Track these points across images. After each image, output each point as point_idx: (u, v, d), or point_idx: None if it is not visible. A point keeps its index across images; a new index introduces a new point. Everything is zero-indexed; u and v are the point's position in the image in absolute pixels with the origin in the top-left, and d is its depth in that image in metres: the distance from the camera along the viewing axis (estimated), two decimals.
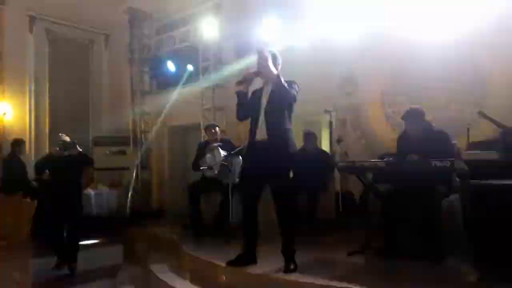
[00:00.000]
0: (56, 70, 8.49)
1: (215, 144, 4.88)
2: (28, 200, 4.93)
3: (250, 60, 4.88)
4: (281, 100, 3.18)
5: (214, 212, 4.68)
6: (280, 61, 3.38)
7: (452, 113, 5.22)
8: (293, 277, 2.97)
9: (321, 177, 5.06)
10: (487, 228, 3.12)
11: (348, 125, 6.25)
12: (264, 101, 3.25)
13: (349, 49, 5.80)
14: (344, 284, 2.71)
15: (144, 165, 8.46)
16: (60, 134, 4.29)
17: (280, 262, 3.12)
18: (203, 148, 4.99)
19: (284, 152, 3.13)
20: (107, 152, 8.20)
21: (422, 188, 3.40)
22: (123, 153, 8.38)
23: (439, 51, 5.20)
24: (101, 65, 9.28)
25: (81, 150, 4.37)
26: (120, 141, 8.42)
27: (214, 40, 7.15)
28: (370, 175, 3.96)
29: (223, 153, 4.68)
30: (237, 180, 4.16)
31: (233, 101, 3.39)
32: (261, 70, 3.27)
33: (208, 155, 4.80)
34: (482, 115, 4.42)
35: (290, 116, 3.27)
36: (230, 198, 4.21)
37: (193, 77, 7.65)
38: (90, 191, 6.40)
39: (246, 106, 3.28)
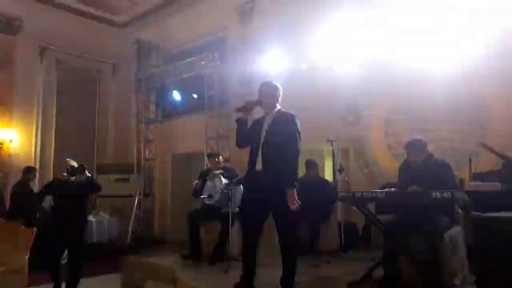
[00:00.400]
0: (64, 99, 8.69)
1: (217, 172, 4.90)
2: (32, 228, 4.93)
3: (254, 90, 4.98)
4: (280, 132, 3.20)
5: (214, 241, 4.63)
6: (281, 92, 3.42)
7: (455, 144, 5.22)
8: None
9: (322, 207, 5.02)
10: (490, 261, 3.06)
11: (351, 154, 6.27)
12: (264, 131, 3.27)
13: (352, 79, 5.91)
14: None
15: (147, 193, 8.46)
16: (67, 159, 4.20)
17: None
18: (205, 176, 5.00)
19: (280, 183, 3.08)
20: (111, 179, 8.22)
21: (423, 220, 3.36)
22: (126, 180, 8.40)
23: (441, 82, 5.26)
24: (108, 93, 9.49)
25: (89, 175, 4.22)
26: (123, 169, 8.46)
27: (219, 71, 7.30)
28: (373, 206, 3.93)
29: (224, 181, 4.69)
30: (237, 209, 4.15)
31: None
32: (261, 100, 3.32)
33: (209, 183, 4.81)
34: (484, 146, 4.42)
35: (293, 148, 3.18)
36: (229, 227, 4.18)
37: (197, 106, 7.78)
38: (91, 218, 6.38)
39: (246, 134, 3.31)
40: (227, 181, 4.63)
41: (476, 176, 4.36)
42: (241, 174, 4.59)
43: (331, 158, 5.51)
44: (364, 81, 5.87)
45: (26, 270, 3.73)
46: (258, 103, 3.31)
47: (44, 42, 8.39)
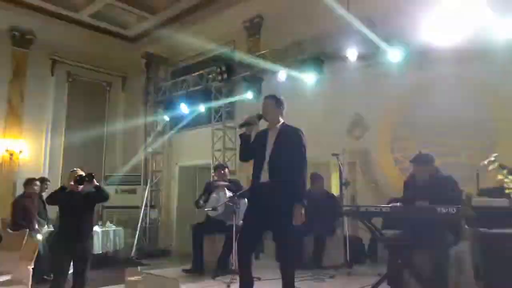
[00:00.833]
0: (74, 110, 8.83)
1: (222, 183, 4.90)
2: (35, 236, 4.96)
3: (260, 104, 5.01)
4: (285, 146, 3.20)
5: (217, 254, 4.61)
6: (285, 105, 3.42)
7: (461, 159, 5.17)
8: None
9: (327, 221, 4.99)
10: (497, 278, 3.00)
11: (357, 168, 6.23)
12: (269, 145, 3.27)
13: (358, 94, 5.92)
14: None
15: (153, 205, 8.49)
16: (74, 168, 4.08)
17: None
18: (210, 188, 5.01)
19: (285, 197, 3.08)
20: (118, 190, 8.27)
21: (428, 235, 3.32)
22: (133, 192, 8.44)
23: (449, 96, 5.24)
24: (117, 105, 9.61)
25: (97, 184, 4.01)
26: (131, 180, 8.51)
27: (226, 84, 7.37)
28: (378, 220, 3.89)
29: (228, 193, 4.69)
30: (241, 222, 4.13)
31: None
32: (264, 115, 3.33)
33: (213, 195, 4.81)
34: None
35: (299, 163, 3.18)
36: (233, 240, 4.16)
37: (204, 119, 7.85)
38: (98, 229, 6.40)
39: (250, 148, 3.32)
40: (231, 194, 4.62)
41: (483, 192, 4.30)
42: (247, 187, 4.60)
43: (337, 172, 5.48)
44: (370, 96, 5.88)
45: (30, 281, 3.74)
46: (261, 117, 3.32)
47: (56, 55, 8.57)
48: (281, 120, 3.36)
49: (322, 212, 5.05)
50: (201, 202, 4.88)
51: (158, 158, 8.80)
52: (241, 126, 3.31)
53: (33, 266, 3.81)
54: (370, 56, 5.62)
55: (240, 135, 3.34)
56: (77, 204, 3.86)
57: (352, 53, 5.55)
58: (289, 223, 3.12)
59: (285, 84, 6.40)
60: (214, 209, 4.62)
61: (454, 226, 3.48)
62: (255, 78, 7.01)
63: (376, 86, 5.86)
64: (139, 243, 7.65)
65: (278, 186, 3.10)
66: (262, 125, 3.47)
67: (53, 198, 4.01)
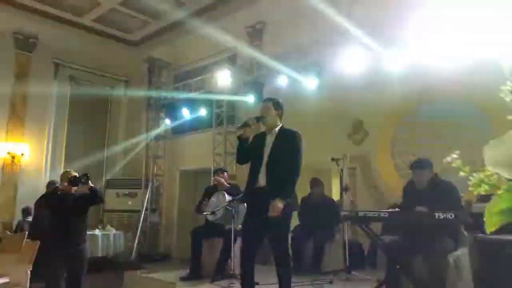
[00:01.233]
0: (76, 114, 8.86)
1: (221, 186, 4.89)
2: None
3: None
4: (282, 149, 3.20)
5: (216, 258, 4.60)
6: (283, 109, 3.43)
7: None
8: None
9: (327, 226, 4.97)
10: (497, 284, 2.97)
11: (358, 173, 6.22)
12: (266, 148, 3.28)
13: (359, 98, 5.92)
14: None
15: (154, 208, 8.49)
16: (67, 170, 3.96)
17: None
18: (210, 192, 5.00)
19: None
20: (119, 194, 8.28)
21: (426, 241, 3.30)
22: (134, 195, 8.45)
23: (450, 101, 5.23)
24: (119, 109, 9.65)
25: (92, 185, 3.82)
26: (132, 184, 8.52)
27: (228, 89, 7.38)
28: (377, 226, 3.88)
29: (228, 198, 4.68)
30: (240, 226, 4.12)
31: None
32: (263, 117, 3.34)
33: (213, 199, 4.80)
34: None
35: (293, 165, 3.16)
36: (232, 244, 4.15)
37: (206, 124, 7.87)
38: (98, 232, 6.41)
39: (247, 151, 3.32)
40: (230, 198, 4.62)
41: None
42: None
43: (338, 177, 5.47)
44: (371, 100, 5.87)
45: (28, 283, 3.73)
46: (259, 119, 3.33)
47: (59, 59, 8.63)
48: (280, 123, 3.36)
49: (321, 217, 5.05)
50: (203, 206, 4.87)
51: (159, 162, 8.81)
52: (239, 128, 3.32)
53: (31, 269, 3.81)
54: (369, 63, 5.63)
55: (238, 137, 3.34)
56: (70, 206, 3.69)
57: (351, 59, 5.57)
58: (285, 227, 3.11)
59: (286, 89, 6.43)
60: (213, 213, 4.61)
61: (453, 232, 3.46)
62: (257, 83, 7.04)
63: (376, 91, 5.86)
64: (139, 246, 7.65)
65: (274, 189, 3.09)
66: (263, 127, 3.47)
67: (45, 200, 3.87)
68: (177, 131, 8.77)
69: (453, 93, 5.24)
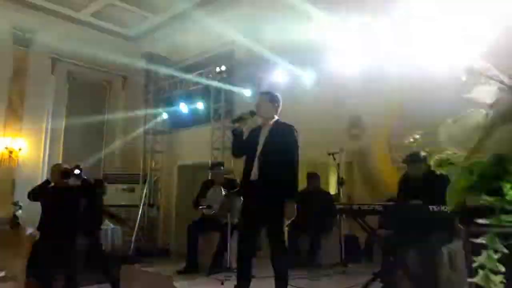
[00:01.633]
0: (74, 109, 8.85)
1: (219, 181, 4.90)
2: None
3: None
4: (278, 143, 3.20)
5: (212, 251, 4.62)
6: (279, 102, 3.42)
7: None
8: None
9: (323, 220, 4.99)
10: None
11: (355, 167, 6.22)
12: (261, 141, 3.28)
13: (356, 92, 5.91)
14: None
15: (152, 203, 8.50)
16: (59, 163, 3.86)
17: None
18: (206, 186, 5.02)
19: (276, 195, 3.07)
20: (116, 189, 8.29)
21: (420, 234, 3.31)
22: (132, 190, 8.47)
23: (448, 95, 5.21)
24: (117, 104, 9.63)
25: (85, 177, 3.73)
26: (129, 179, 8.53)
27: (226, 83, 7.39)
28: (371, 219, 3.89)
29: (224, 192, 4.69)
30: (236, 220, 4.14)
31: None
32: (258, 111, 3.34)
33: (209, 194, 4.82)
34: None
35: (291, 159, 3.16)
36: (228, 238, 4.17)
37: (204, 118, 7.87)
38: None
39: (242, 144, 3.33)
40: (227, 192, 4.63)
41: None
42: None
43: (335, 171, 5.49)
44: (368, 94, 5.86)
45: (24, 277, 3.74)
46: (254, 113, 3.33)
47: (56, 54, 8.59)
48: (275, 117, 3.36)
49: (318, 211, 5.05)
50: (200, 200, 4.88)
51: (157, 157, 8.81)
52: (234, 121, 3.32)
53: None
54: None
55: (233, 131, 3.34)
56: (63, 200, 3.61)
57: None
58: (281, 220, 3.12)
59: (284, 83, 6.42)
60: (209, 207, 4.63)
61: (447, 224, 3.46)
62: (255, 77, 7.03)
63: (374, 86, 5.84)
64: (137, 241, 7.67)
65: (269, 183, 3.10)
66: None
67: (36, 194, 3.71)
68: (175, 125, 8.77)
69: (450, 89, 5.21)
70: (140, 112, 9.14)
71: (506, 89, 0.49)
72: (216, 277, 4.23)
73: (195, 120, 8.18)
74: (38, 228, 3.76)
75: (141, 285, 4.42)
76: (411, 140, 0.76)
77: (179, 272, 4.54)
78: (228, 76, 7.50)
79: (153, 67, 9.07)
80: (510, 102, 0.47)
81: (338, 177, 5.24)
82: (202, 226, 4.83)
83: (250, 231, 3.22)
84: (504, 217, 0.55)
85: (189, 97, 8.11)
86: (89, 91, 9.21)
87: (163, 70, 9.07)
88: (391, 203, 3.66)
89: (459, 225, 3.22)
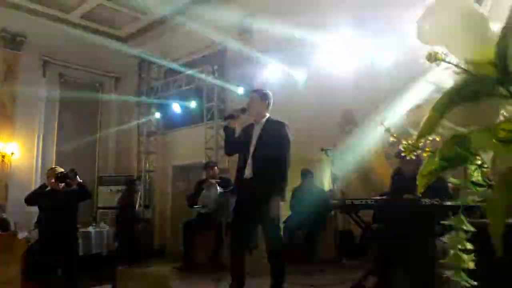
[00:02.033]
0: (66, 111, 8.80)
1: (213, 181, 4.91)
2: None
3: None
4: (270, 140, 3.21)
5: (208, 250, 4.62)
6: (270, 100, 3.43)
7: None
8: None
9: (318, 216, 5.01)
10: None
11: (349, 163, 6.24)
12: (253, 139, 3.29)
13: (348, 88, 5.93)
14: None
15: (147, 204, 8.48)
16: (53, 166, 3.92)
17: None
18: (201, 186, 5.02)
19: (269, 192, 3.08)
20: (111, 190, 8.26)
21: (413, 228, 3.33)
22: None
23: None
24: (110, 106, 9.60)
25: (80, 181, 3.78)
26: (124, 180, 8.49)
27: (218, 83, 7.39)
28: (365, 214, 3.91)
29: (219, 190, 4.70)
30: (230, 218, 4.14)
31: None
32: (250, 109, 3.35)
33: (204, 193, 4.82)
34: None
35: (283, 156, 3.16)
36: (223, 236, 4.18)
37: (197, 118, 7.86)
38: (91, 229, 6.40)
39: (234, 142, 3.33)
40: (222, 191, 4.64)
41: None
42: None
43: (329, 168, 5.49)
44: (360, 90, 5.89)
45: (19, 281, 3.72)
46: (245, 110, 3.33)
47: (47, 56, 8.54)
48: (267, 115, 3.37)
49: (312, 206, 5.07)
50: (195, 200, 4.89)
51: (151, 158, 8.79)
52: (225, 119, 3.33)
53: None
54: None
55: (224, 128, 3.35)
56: (60, 203, 3.65)
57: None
58: (274, 216, 3.14)
59: (277, 81, 6.43)
60: (204, 206, 4.63)
61: (440, 218, 3.49)
62: (247, 76, 7.03)
63: (367, 82, 5.87)
64: (132, 243, 7.63)
65: (262, 181, 3.10)
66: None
67: (33, 198, 3.76)
68: (169, 126, 8.75)
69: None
70: (133, 113, 9.13)
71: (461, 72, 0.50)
72: (212, 275, 4.23)
73: (188, 120, 8.17)
74: (39, 231, 3.78)
75: (137, 286, 4.42)
76: (380, 124, 0.77)
77: (176, 269, 4.56)
78: (220, 75, 7.49)
79: (145, 67, 9.07)
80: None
81: (332, 173, 5.25)
82: (197, 225, 4.84)
83: (243, 229, 3.23)
84: (470, 197, 0.56)
85: (182, 97, 8.09)
86: (81, 93, 9.15)
87: (155, 71, 9.07)
88: (384, 197, 3.68)
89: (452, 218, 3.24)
